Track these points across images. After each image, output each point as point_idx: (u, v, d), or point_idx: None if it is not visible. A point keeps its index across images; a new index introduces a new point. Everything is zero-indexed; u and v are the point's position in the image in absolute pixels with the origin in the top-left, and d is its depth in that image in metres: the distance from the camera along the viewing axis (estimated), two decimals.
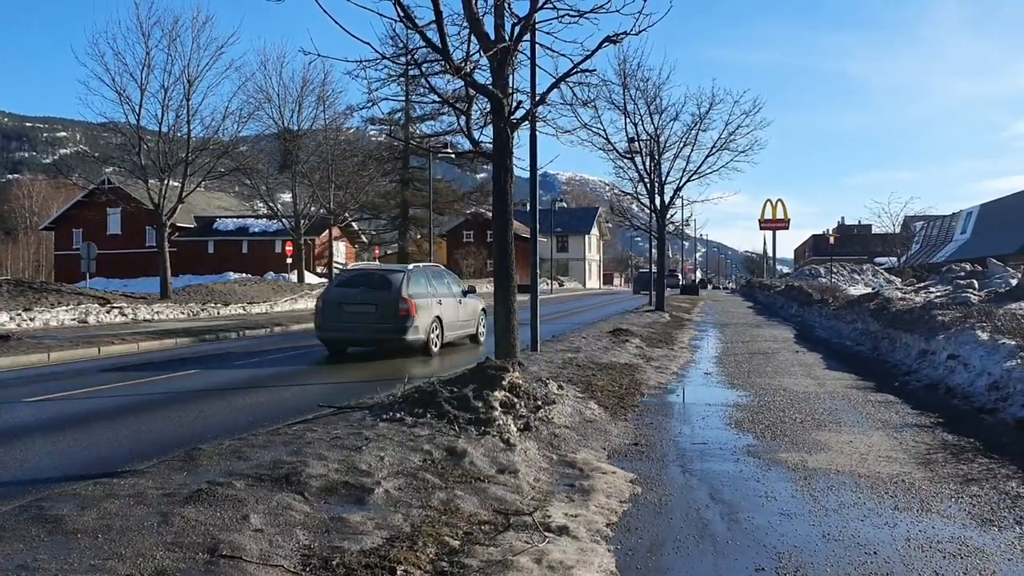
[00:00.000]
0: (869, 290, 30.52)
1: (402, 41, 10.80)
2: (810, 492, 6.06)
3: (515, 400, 7.76)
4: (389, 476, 5.53)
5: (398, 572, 4.03)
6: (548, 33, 11.23)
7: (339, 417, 7.55)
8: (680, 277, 78.24)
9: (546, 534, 4.77)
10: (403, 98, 56.80)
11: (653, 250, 34.37)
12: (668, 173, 28.77)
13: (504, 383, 7.89)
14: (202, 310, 28.56)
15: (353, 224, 59.02)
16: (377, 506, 4.99)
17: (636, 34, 9.79)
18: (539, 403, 8.04)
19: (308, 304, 35.56)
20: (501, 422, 7.11)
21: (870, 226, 73.38)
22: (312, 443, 6.29)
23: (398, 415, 7.23)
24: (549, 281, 65.74)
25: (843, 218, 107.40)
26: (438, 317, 15.81)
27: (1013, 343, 10.35)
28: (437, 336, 15.81)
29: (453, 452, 6.26)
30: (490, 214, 11.60)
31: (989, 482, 6.30)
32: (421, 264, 18.67)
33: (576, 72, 10.34)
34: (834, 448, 7.53)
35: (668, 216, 31.07)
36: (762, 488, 6.17)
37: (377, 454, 5.95)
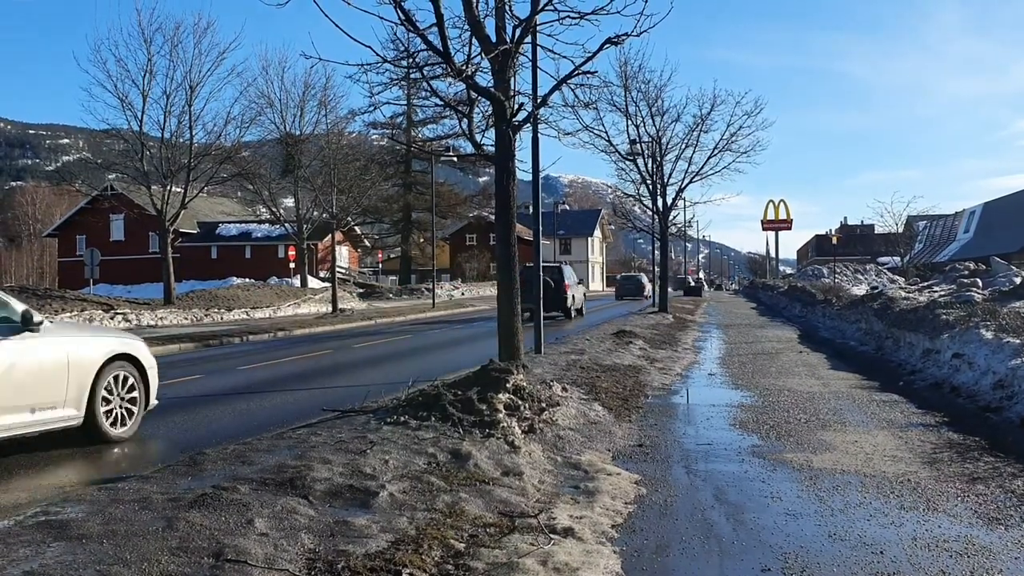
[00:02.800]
0: (872, 290, 30.46)
1: (403, 44, 10.84)
2: (816, 492, 6.04)
3: (519, 402, 7.75)
4: (394, 479, 5.53)
5: (403, 575, 4.03)
6: (549, 35, 11.23)
7: (343, 421, 7.55)
8: (694, 280, 77.79)
9: (551, 536, 4.76)
10: (405, 102, 56.92)
11: (656, 252, 34.36)
12: (670, 175, 28.78)
13: (508, 385, 7.88)
14: (205, 315, 28.62)
15: (356, 228, 59.08)
16: (382, 509, 4.98)
17: (637, 35, 9.80)
18: (543, 405, 8.03)
19: (311, 308, 35.61)
20: (505, 424, 7.10)
21: (873, 226, 73.26)
22: (316, 447, 6.29)
23: (402, 418, 7.23)
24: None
25: (846, 218, 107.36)
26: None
27: (1018, 341, 10.32)
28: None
29: (457, 455, 6.26)
30: (493, 217, 11.56)
31: (995, 481, 6.28)
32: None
33: (577, 74, 10.34)
34: (839, 448, 7.52)
35: (671, 218, 31.06)
36: (767, 489, 6.15)
37: (382, 457, 5.94)
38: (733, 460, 7.12)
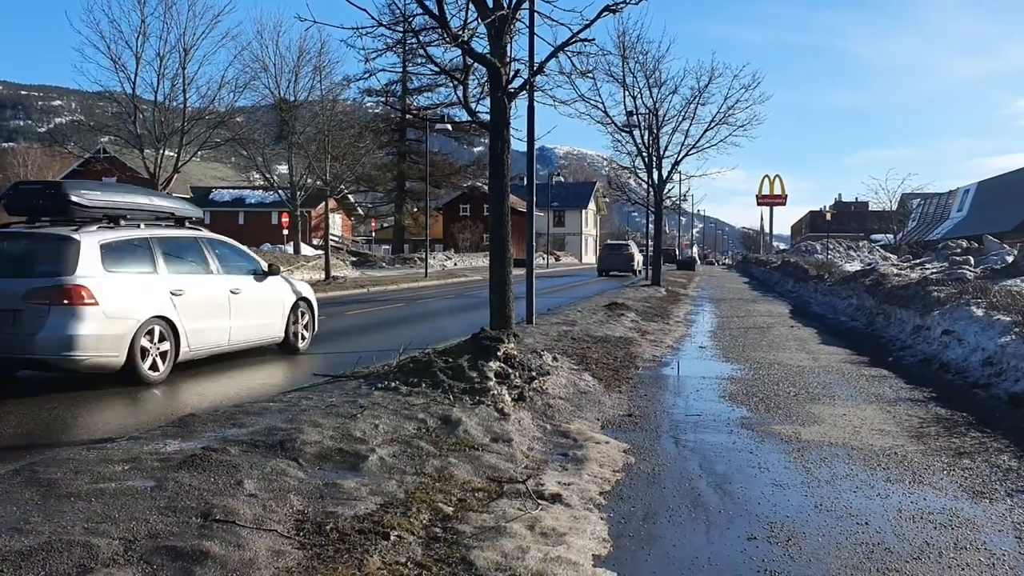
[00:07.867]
0: (865, 266, 30.53)
1: (399, 8, 10.67)
2: (803, 464, 6.08)
3: (510, 371, 7.76)
4: (383, 443, 5.54)
5: (391, 537, 4.05)
6: (547, 1, 11.07)
7: (334, 386, 7.55)
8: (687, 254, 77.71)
9: (539, 502, 4.78)
10: (400, 69, 56.38)
11: (650, 225, 34.32)
12: (666, 147, 28.68)
13: (499, 354, 7.89)
14: None
15: (349, 197, 58.80)
16: (371, 473, 5.00)
17: (636, 3, 9.71)
18: (534, 374, 8.04)
19: (304, 275, 35.44)
20: (496, 392, 7.11)
21: (867, 203, 73.37)
22: (307, 411, 6.29)
23: (393, 384, 7.24)
24: (545, 255, 65.75)
25: (840, 195, 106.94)
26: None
27: (1008, 319, 10.37)
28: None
29: (447, 421, 6.27)
30: (487, 188, 11.45)
31: (981, 455, 6.33)
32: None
33: (575, 41, 10.23)
34: (827, 421, 7.56)
35: (666, 191, 30.98)
36: (755, 459, 6.19)
37: (372, 422, 5.95)
38: (722, 431, 7.16)
